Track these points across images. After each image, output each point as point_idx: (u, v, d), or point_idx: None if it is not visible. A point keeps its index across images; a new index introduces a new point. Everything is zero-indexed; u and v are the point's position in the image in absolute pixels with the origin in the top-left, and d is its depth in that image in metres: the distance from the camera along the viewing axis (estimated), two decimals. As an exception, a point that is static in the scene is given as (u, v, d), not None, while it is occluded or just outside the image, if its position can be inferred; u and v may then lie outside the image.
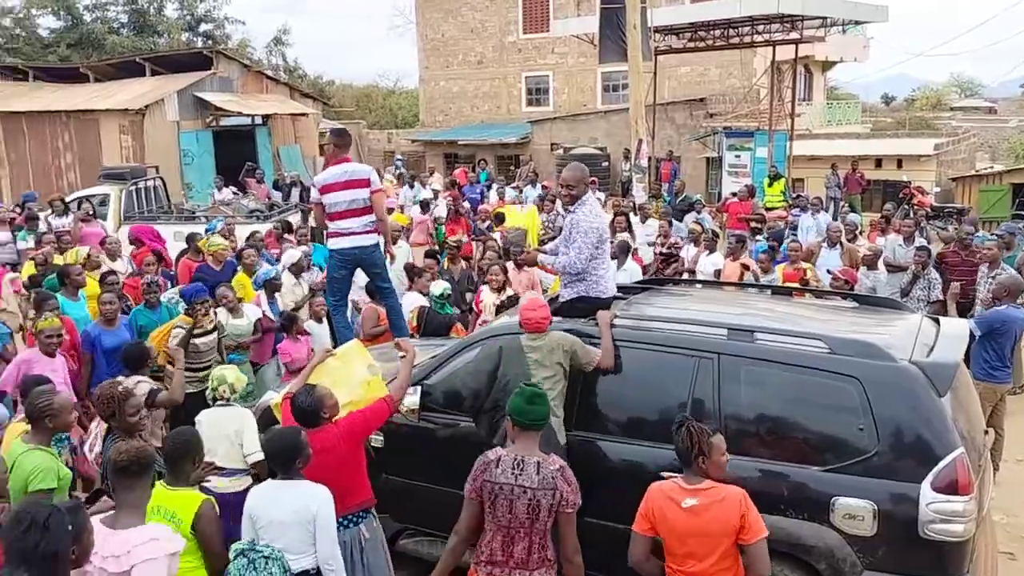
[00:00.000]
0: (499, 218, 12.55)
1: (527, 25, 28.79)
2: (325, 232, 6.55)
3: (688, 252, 10.27)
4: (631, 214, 11.96)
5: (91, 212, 12.14)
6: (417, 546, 5.36)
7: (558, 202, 10.86)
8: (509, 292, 8.09)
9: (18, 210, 12.84)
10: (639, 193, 14.56)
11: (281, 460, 3.83)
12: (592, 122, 26.20)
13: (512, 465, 3.69)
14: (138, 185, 14.51)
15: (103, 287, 7.57)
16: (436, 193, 15.23)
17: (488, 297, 8.09)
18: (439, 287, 7.87)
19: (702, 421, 3.87)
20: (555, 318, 5.11)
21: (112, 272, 8.25)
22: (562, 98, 28.71)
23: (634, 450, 4.68)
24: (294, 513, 3.72)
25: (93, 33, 29.39)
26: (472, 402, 4.98)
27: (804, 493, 4.23)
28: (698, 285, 7.39)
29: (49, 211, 12.33)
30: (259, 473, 5.02)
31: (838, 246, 9.59)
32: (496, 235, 11.04)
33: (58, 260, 8.82)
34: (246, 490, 4.86)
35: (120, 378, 5.52)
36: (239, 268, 8.57)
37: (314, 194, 6.46)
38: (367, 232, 6.34)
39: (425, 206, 13.64)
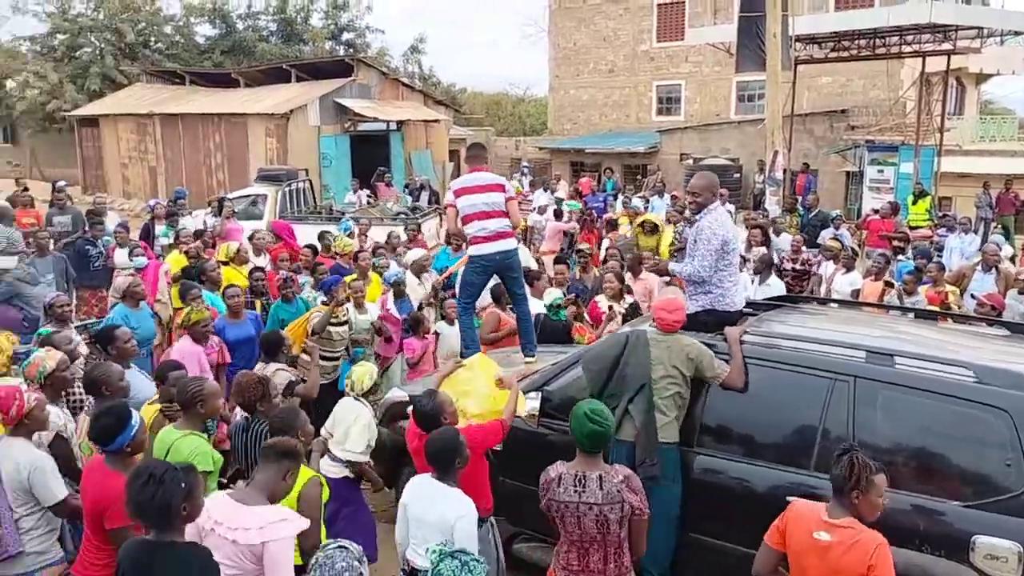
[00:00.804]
0: (611, 225, 12.47)
1: (661, 34, 28.46)
2: (466, 238, 6.63)
3: (825, 269, 9.83)
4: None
5: (233, 210, 12.82)
6: (531, 552, 5.35)
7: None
8: (629, 300, 7.98)
9: (171, 205, 13.66)
10: (772, 206, 14.10)
11: (442, 460, 3.90)
12: (725, 132, 25.61)
13: (574, 482, 3.66)
14: (291, 186, 15.22)
15: (250, 281, 8.02)
16: (560, 201, 15.25)
17: (605, 305, 8.00)
18: (551, 295, 7.88)
19: (835, 446, 3.67)
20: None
21: (260, 268, 8.67)
22: (694, 107, 28.20)
23: (757, 472, 4.51)
24: (437, 520, 3.79)
25: (245, 41, 31.12)
26: (591, 387, 4.92)
27: (941, 528, 3.96)
28: (834, 304, 7.06)
29: (207, 209, 13.06)
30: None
31: (993, 270, 8.93)
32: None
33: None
34: (342, 479, 5.03)
35: (260, 366, 5.81)
36: (353, 268, 8.81)
37: (448, 197, 6.57)
38: (506, 235, 6.43)
39: (559, 214, 13.68)
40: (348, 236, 10.32)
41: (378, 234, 11.80)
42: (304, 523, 3.47)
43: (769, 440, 4.61)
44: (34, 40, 31.42)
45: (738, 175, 23.12)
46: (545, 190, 16.99)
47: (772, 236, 11.21)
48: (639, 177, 24.37)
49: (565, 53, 30.77)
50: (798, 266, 10.06)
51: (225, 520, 3.30)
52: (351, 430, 5.24)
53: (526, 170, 22.01)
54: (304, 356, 6.54)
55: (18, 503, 4.01)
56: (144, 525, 3.09)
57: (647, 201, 16.01)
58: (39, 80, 28.31)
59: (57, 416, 4.56)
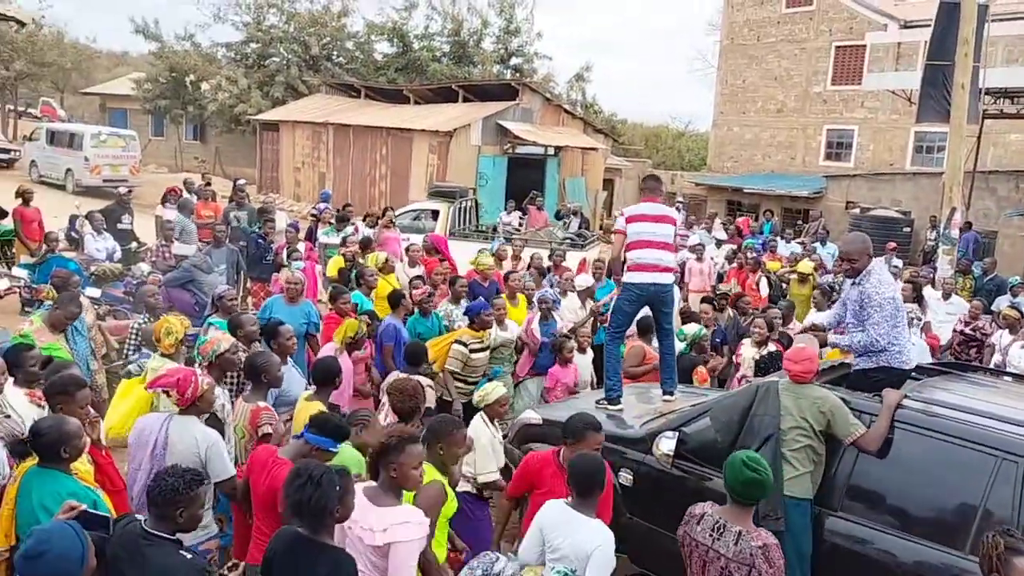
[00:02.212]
0: (756, 265, 12.12)
1: (836, 76, 27.41)
2: (623, 264, 6.59)
3: (998, 338, 9.09)
4: (929, 286, 10.89)
5: (392, 221, 13.31)
6: (653, 595, 5.21)
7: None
8: (771, 348, 7.68)
9: (339, 211, 14.19)
10: (944, 266, 13.19)
11: (584, 484, 3.86)
12: (897, 183, 24.28)
13: (712, 527, 3.55)
14: (462, 204, 15.62)
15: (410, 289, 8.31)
16: (720, 242, 14.86)
17: (748, 351, 7.73)
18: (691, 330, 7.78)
19: (996, 529, 3.36)
20: (837, 387, 4.76)
21: (419, 277, 8.95)
22: (866, 155, 26.93)
23: (905, 546, 4.20)
24: (571, 549, 3.74)
25: (419, 60, 32.40)
26: (722, 438, 4.79)
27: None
28: (1007, 378, 6.51)
29: (361, 219, 13.60)
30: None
31: None
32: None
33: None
34: (462, 493, 5.06)
35: (395, 375, 5.99)
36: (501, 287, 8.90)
37: (619, 222, 6.57)
38: (667, 270, 6.36)
39: (701, 250, 13.36)
40: (494, 256, 10.51)
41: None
42: (427, 528, 3.51)
43: (921, 514, 4.29)
44: (229, 47, 33.95)
45: (908, 229, 21.84)
46: (707, 230, 16.62)
47: (933, 295, 10.55)
48: (799, 222, 23.48)
49: (733, 90, 30.19)
50: (968, 330, 9.36)
51: (358, 519, 3.39)
52: (476, 452, 5.28)
53: (680, 205, 21.65)
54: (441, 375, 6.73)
55: None
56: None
57: (804, 247, 15.38)
58: (230, 84, 30.54)
59: (218, 396, 4.86)
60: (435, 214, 15.11)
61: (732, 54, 30.21)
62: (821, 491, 4.53)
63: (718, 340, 8.71)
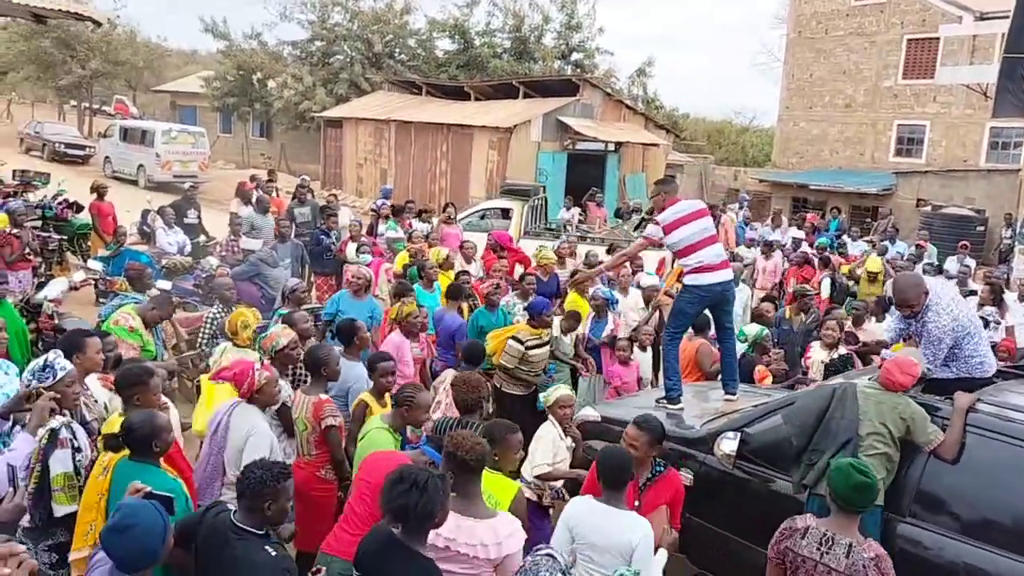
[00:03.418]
0: (824, 263, 11.85)
1: (908, 70, 26.61)
2: (682, 268, 6.49)
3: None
4: (1005, 289, 10.51)
5: (452, 216, 13.39)
6: (714, 596, 5.15)
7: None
8: (842, 351, 7.49)
9: (396, 206, 14.37)
10: (1020, 266, 12.73)
11: (612, 478, 3.85)
12: (971, 180, 23.50)
13: (819, 540, 3.44)
14: (535, 202, 15.52)
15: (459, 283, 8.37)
16: (798, 242, 14.40)
17: (817, 354, 7.54)
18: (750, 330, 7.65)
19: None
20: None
21: (466, 272, 9.02)
22: (938, 151, 26.10)
23: (979, 555, 4.05)
24: (613, 545, 3.71)
25: (480, 56, 32.50)
26: (797, 439, 4.68)
27: None
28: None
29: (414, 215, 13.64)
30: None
31: None
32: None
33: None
34: (532, 504, 5.05)
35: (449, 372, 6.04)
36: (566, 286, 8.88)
37: (652, 229, 6.41)
38: (725, 266, 6.25)
39: (769, 249, 13.11)
40: (550, 251, 10.49)
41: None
42: (523, 535, 3.52)
43: (994, 520, 4.13)
44: (295, 45, 34.56)
45: (982, 228, 21.14)
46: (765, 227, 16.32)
47: (1009, 296, 10.17)
48: (868, 220, 22.89)
49: (799, 84, 29.55)
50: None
51: (456, 535, 3.34)
52: (536, 445, 5.29)
53: (745, 202, 21.30)
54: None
55: (232, 465, 4.39)
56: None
57: (874, 246, 15.00)
58: (295, 82, 31.08)
59: (284, 387, 4.97)
60: (505, 212, 15.05)
61: (799, 48, 29.56)
62: (890, 496, 4.42)
63: (780, 336, 8.56)
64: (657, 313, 8.44)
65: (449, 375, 5.93)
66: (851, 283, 11.96)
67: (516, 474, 5.14)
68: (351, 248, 10.61)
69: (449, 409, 5.59)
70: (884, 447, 4.36)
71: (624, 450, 4.05)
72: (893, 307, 7.28)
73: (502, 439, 4.04)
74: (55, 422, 3.76)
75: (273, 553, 3.17)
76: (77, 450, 3.90)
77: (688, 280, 6.30)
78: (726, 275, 6.23)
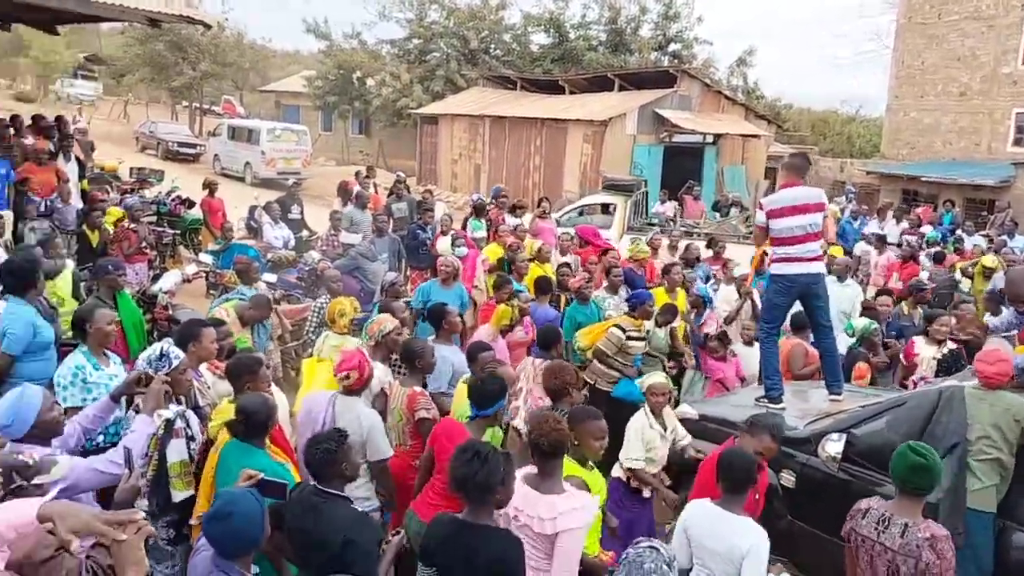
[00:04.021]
0: (937, 258, 11.32)
1: (1030, 54, 25.08)
2: (767, 256, 6.31)
3: None
4: None
5: (547, 210, 13.38)
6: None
7: None
8: (951, 346, 7.11)
9: (493, 203, 14.40)
10: None
11: (735, 481, 3.80)
12: (1098, 171, 21.99)
13: (877, 520, 3.46)
14: (637, 197, 15.29)
15: (557, 277, 8.33)
16: (929, 242, 13.76)
17: (927, 350, 7.15)
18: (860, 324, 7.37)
19: None
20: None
21: (566, 264, 9.03)
22: (1061, 140, 24.53)
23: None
24: (725, 550, 3.67)
25: (575, 50, 32.37)
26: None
27: None
28: None
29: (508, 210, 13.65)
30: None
31: None
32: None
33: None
34: (614, 479, 5.03)
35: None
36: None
37: (759, 216, 6.25)
38: (817, 259, 6.02)
39: (881, 243, 12.61)
40: (645, 244, 10.37)
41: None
42: (594, 514, 3.50)
43: None
44: (393, 43, 35.26)
45: (1111, 221, 19.72)
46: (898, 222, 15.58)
47: None
48: (984, 213, 21.72)
49: (910, 72, 28.24)
50: None
51: (524, 507, 3.42)
52: (628, 437, 5.27)
53: (851, 195, 20.48)
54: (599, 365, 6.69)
55: (358, 456, 4.50)
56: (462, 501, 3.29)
57: (991, 241, 14.21)
58: (393, 80, 31.68)
59: (385, 374, 5.09)
60: (605, 208, 14.92)
61: (910, 33, 28.23)
62: (1006, 502, 4.19)
63: (893, 333, 8.19)
64: (749, 302, 8.25)
65: (528, 363, 5.93)
66: (965, 280, 11.40)
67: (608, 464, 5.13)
68: (444, 242, 10.74)
69: (531, 396, 5.62)
70: (996, 452, 4.15)
71: (748, 454, 3.99)
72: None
73: (581, 423, 4.05)
74: (170, 412, 3.94)
75: (359, 509, 3.48)
76: (191, 439, 4.10)
77: (773, 269, 6.15)
78: (814, 268, 6.00)
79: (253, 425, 3.83)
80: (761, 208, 6.19)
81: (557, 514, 3.39)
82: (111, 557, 2.59)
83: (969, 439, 4.25)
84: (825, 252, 6.31)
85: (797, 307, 6.52)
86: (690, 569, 3.86)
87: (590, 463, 4.10)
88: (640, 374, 6.96)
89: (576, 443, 4.01)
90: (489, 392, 4.20)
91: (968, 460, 4.22)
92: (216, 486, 3.84)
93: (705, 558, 3.72)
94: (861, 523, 3.54)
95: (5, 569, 2.28)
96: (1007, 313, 6.63)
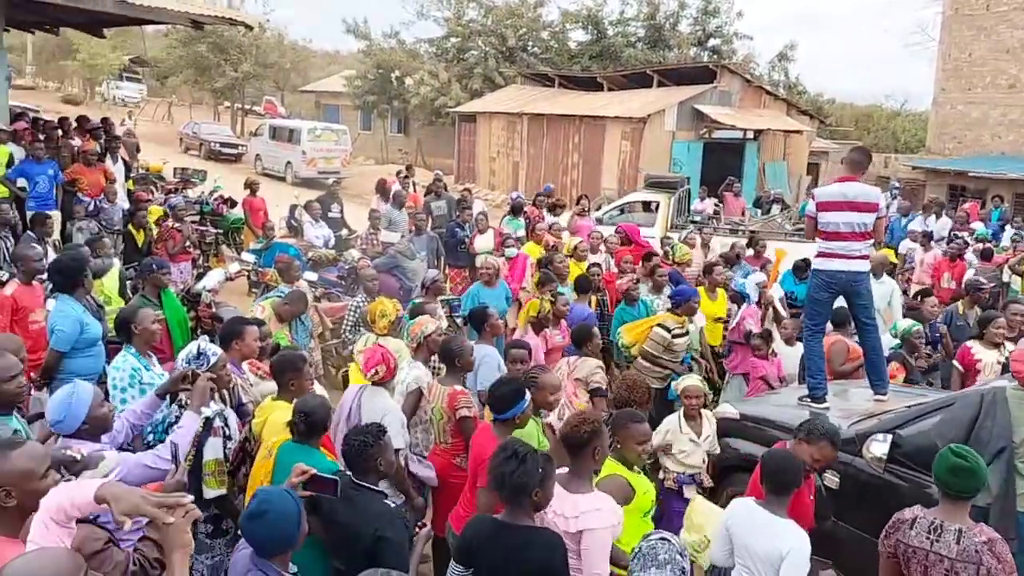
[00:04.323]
0: (985, 256, 11.06)
1: (1082, 45, 24.37)
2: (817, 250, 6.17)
3: None
4: None
5: (586, 208, 13.34)
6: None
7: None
8: (1011, 348, 6.90)
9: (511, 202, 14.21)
10: None
11: (779, 482, 3.76)
12: None
13: (928, 529, 3.34)
14: (680, 194, 15.05)
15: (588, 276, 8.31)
16: (983, 238, 13.41)
17: (988, 355, 6.94)
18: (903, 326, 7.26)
19: None
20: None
21: (596, 264, 8.98)
22: (1118, 132, 23.79)
23: None
24: (763, 552, 3.64)
25: (613, 46, 32.20)
26: None
27: None
28: None
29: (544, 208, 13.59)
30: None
31: None
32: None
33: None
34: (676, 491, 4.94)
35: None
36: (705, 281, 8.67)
37: (810, 206, 6.14)
38: (862, 257, 5.91)
39: (928, 240, 12.36)
40: (686, 244, 10.29)
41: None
42: (620, 515, 3.48)
43: None
44: (431, 42, 35.38)
45: None
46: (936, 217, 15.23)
47: None
48: (1033, 208, 21.17)
49: (957, 64, 27.61)
50: None
51: (554, 506, 3.42)
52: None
53: (896, 191, 20.08)
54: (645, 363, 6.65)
55: None
56: (501, 500, 3.31)
57: (1042, 237, 13.83)
58: (431, 78, 31.79)
59: (426, 375, 5.12)
60: (646, 206, 14.82)
61: (956, 25, 27.60)
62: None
63: (937, 336, 8.02)
64: (770, 309, 8.15)
65: (564, 363, 5.92)
66: (1015, 278, 11.13)
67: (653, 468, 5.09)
68: (482, 240, 10.76)
69: (565, 393, 5.61)
70: None
71: (791, 455, 3.94)
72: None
73: (622, 427, 3.99)
74: (210, 411, 4.00)
75: (392, 504, 3.53)
76: (228, 438, 4.18)
77: (816, 264, 6.04)
78: (857, 266, 5.86)
79: (311, 425, 3.88)
80: (813, 199, 6.08)
81: (580, 512, 3.39)
82: (158, 551, 2.67)
83: (1015, 442, 4.16)
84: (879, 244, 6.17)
85: (840, 302, 6.40)
86: (731, 568, 3.83)
87: (636, 468, 4.04)
88: (690, 370, 6.96)
89: (619, 445, 3.97)
90: (503, 396, 4.17)
91: (1017, 463, 4.13)
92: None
93: (746, 558, 3.68)
94: (910, 534, 3.42)
95: None
96: None
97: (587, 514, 3.40)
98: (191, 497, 2.69)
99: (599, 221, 13.62)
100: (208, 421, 3.98)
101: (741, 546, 3.73)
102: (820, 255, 5.97)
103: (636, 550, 3.00)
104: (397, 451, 4.48)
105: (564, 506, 3.43)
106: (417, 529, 3.58)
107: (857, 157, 6.11)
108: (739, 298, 8.30)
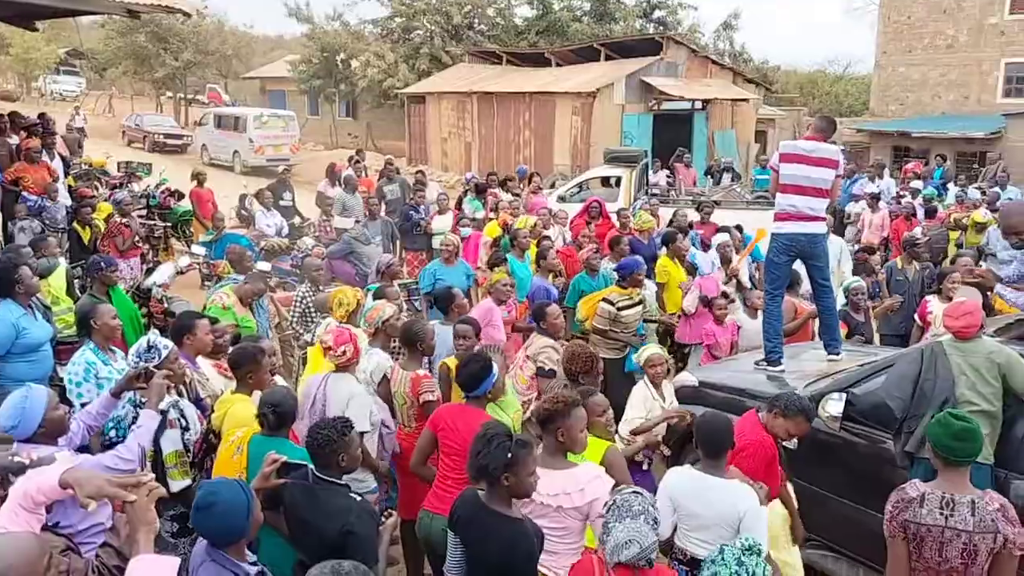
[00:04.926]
0: (930, 213, 11.35)
1: (1016, 4, 24.88)
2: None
3: None
4: None
5: (539, 186, 13.35)
6: (822, 560, 5.07)
7: None
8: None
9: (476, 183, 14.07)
10: None
11: (711, 446, 3.78)
12: (1089, 118, 21.94)
13: (940, 504, 3.26)
14: (642, 167, 15.03)
15: (538, 250, 8.30)
16: (928, 197, 13.73)
17: (939, 308, 7.16)
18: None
19: None
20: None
21: (547, 237, 8.97)
22: (1051, 89, 24.43)
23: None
24: (718, 515, 3.64)
25: (559, 21, 32.05)
26: (898, 412, 4.50)
27: None
28: None
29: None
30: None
31: None
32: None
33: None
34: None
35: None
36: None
37: (773, 159, 6.28)
38: (820, 219, 6.03)
39: (875, 201, 12.65)
40: (647, 213, 10.33)
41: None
42: (609, 481, 3.53)
43: None
44: (375, 23, 34.85)
45: (1103, 167, 19.72)
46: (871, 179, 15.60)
47: None
48: (975, 166, 21.70)
49: (896, 27, 28.06)
50: None
51: (542, 489, 3.41)
52: (628, 406, 5.34)
53: (842, 154, 20.39)
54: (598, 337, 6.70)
55: None
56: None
57: (984, 193, 14.21)
58: (378, 60, 31.32)
59: (387, 360, 5.09)
60: (604, 181, 14.83)
61: (895, -12, 28.05)
62: (1004, 453, 4.20)
63: (875, 291, 8.24)
64: (734, 280, 8.26)
65: (535, 339, 5.96)
66: (958, 232, 11.47)
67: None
68: (440, 221, 10.72)
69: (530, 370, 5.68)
70: (984, 402, 4.15)
71: (722, 417, 3.95)
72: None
73: (587, 402, 4.01)
74: (163, 404, 3.96)
75: (357, 499, 3.41)
76: (185, 429, 4.14)
77: (774, 228, 6.15)
78: (814, 228, 6.02)
79: (280, 416, 3.86)
80: (777, 150, 6.25)
81: (584, 484, 3.44)
82: (118, 558, 2.66)
83: (956, 394, 4.25)
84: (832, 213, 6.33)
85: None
86: (671, 538, 3.83)
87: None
88: (644, 339, 7.03)
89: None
90: (473, 374, 4.19)
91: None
92: (248, 480, 3.85)
93: (696, 524, 3.69)
94: (921, 512, 3.30)
95: None
96: (1016, 263, 6.60)
97: (591, 482, 3.46)
98: (153, 475, 2.73)
99: (561, 199, 13.64)
100: (163, 414, 3.96)
101: (689, 514, 3.72)
102: (779, 218, 6.08)
103: (611, 503, 3.05)
104: (363, 434, 4.48)
105: (560, 484, 3.46)
106: (384, 518, 3.57)
107: (823, 124, 6.31)
108: (692, 269, 8.37)
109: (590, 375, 4.83)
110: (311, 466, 3.50)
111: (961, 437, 3.27)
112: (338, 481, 3.46)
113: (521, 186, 13.17)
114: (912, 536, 3.33)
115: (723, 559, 3.04)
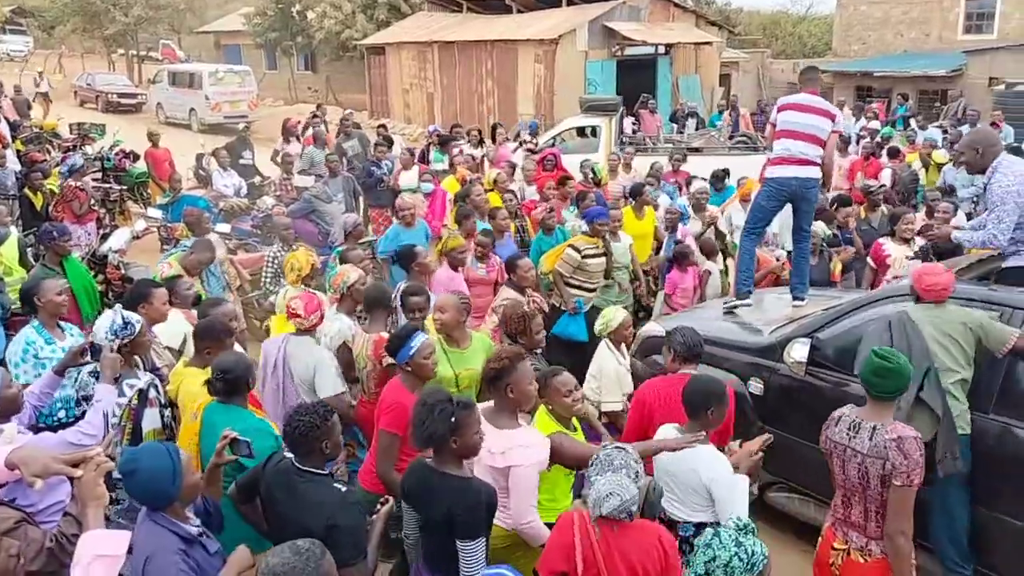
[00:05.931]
0: (892, 153, 11.44)
1: (976, -62, 24.83)
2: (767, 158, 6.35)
3: None
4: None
5: (506, 137, 13.16)
6: (787, 502, 5.20)
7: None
8: (920, 243, 7.19)
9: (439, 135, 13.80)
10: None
11: (695, 405, 3.77)
12: (1048, 53, 22.06)
13: (848, 426, 3.51)
14: (618, 116, 14.74)
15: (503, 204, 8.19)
16: (881, 135, 13.76)
17: (897, 250, 7.25)
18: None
19: None
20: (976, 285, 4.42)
21: (510, 191, 8.89)
22: (1011, 24, 24.47)
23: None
24: (686, 477, 3.65)
25: (520, -35, 31.48)
26: None
27: None
28: None
29: (464, 140, 13.29)
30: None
31: None
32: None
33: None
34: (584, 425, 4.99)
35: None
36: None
37: (772, 114, 6.40)
38: (812, 163, 6.08)
39: (845, 144, 12.64)
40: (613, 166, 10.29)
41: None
42: (547, 450, 3.50)
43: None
44: (332, -29, 33.97)
45: (1062, 102, 19.89)
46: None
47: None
48: (936, 104, 21.80)
49: (857, -35, 27.89)
50: None
51: (487, 444, 3.40)
52: (599, 377, 5.25)
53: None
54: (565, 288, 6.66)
55: (308, 395, 4.50)
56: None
57: (946, 132, 14.30)
58: (335, 11, 30.56)
59: (349, 327, 5.01)
60: (580, 132, 14.62)
61: (856, -75, 27.79)
62: (971, 394, 4.24)
63: (848, 236, 8.28)
64: (712, 228, 8.26)
65: (502, 291, 5.92)
66: (922, 170, 11.53)
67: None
68: (405, 177, 10.55)
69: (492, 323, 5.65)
70: (961, 370, 4.13)
71: (710, 377, 3.95)
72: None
73: (546, 385, 3.84)
74: (142, 383, 3.90)
75: (343, 489, 3.22)
76: (164, 406, 4.07)
77: (768, 173, 6.26)
78: (807, 172, 6.09)
79: (230, 383, 3.75)
80: (775, 105, 6.44)
81: (507, 448, 3.40)
82: (77, 527, 2.64)
83: (935, 363, 4.16)
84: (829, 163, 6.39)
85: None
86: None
87: (573, 424, 3.95)
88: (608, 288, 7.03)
89: (549, 405, 3.85)
90: (394, 336, 4.11)
91: (944, 383, 4.12)
92: (201, 451, 3.78)
93: (671, 483, 3.70)
94: (834, 430, 3.57)
95: None
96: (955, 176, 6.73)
97: (513, 450, 3.40)
98: (100, 449, 2.72)
99: (531, 152, 13.38)
100: (142, 393, 3.90)
101: (665, 472, 3.73)
102: (774, 163, 6.14)
103: (594, 458, 3.07)
104: (334, 396, 4.44)
105: (492, 441, 3.41)
106: (379, 505, 3.46)
107: (812, 75, 6.54)
108: (679, 217, 8.36)
109: (526, 335, 4.71)
110: (289, 456, 3.27)
111: (879, 374, 3.41)
112: (320, 471, 3.21)
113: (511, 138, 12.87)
114: (828, 452, 3.62)
115: (721, 542, 3.10)
